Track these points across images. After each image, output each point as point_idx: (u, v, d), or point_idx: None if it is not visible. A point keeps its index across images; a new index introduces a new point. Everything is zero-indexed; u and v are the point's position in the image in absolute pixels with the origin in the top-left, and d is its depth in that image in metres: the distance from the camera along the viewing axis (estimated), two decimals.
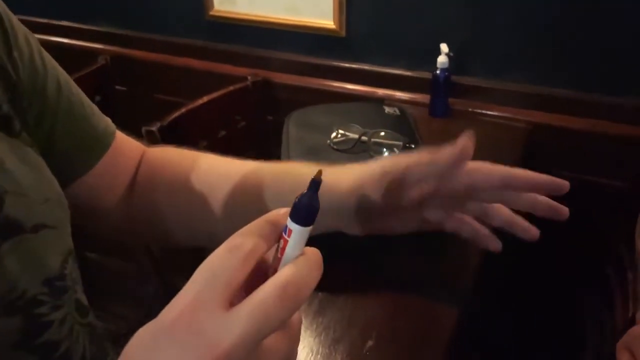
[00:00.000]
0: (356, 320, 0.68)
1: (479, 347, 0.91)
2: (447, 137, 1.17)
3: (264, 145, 1.37)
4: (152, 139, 1.09)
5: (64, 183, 0.46)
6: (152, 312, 0.29)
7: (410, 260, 0.74)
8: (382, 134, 0.85)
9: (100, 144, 0.51)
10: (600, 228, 1.18)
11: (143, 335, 0.28)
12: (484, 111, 1.20)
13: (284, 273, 0.28)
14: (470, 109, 1.22)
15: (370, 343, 0.67)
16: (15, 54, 0.43)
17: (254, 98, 1.34)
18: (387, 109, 0.99)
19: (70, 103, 0.48)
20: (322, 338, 0.71)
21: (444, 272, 0.75)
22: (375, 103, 1.06)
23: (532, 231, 0.57)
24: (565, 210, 0.55)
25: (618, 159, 1.15)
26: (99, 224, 0.56)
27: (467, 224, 0.59)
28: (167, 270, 1.42)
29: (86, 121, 0.50)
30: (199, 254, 0.35)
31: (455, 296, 0.73)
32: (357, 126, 0.87)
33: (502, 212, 0.58)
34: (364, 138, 0.86)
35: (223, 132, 1.29)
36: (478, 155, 1.07)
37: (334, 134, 0.89)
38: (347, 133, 0.88)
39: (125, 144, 0.55)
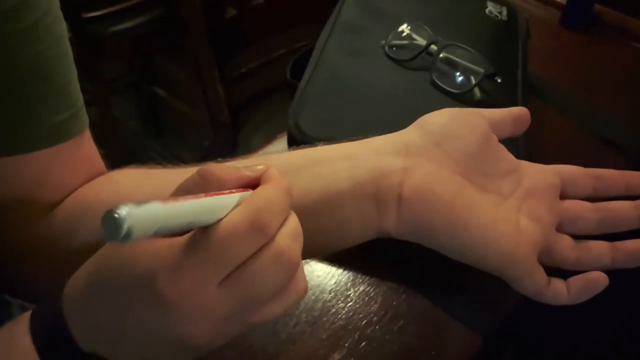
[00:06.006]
0: (325, 325, 0.48)
1: None
2: (573, 64, 0.83)
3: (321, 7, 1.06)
4: None
5: None
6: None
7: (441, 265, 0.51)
8: (460, 50, 0.57)
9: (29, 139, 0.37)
10: None
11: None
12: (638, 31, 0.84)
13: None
14: (620, 26, 0.85)
15: (336, 356, 0.48)
16: None
17: None
18: (490, 7, 0.69)
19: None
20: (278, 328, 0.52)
21: (481, 285, 0.52)
22: None
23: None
24: None
25: None
26: None
27: None
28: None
29: (28, 101, 0.36)
30: None
31: (484, 320, 0.51)
32: (428, 29, 0.59)
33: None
34: (432, 48, 0.58)
35: None
36: (613, 93, 0.75)
37: (401, 29, 0.62)
38: (414, 35, 0.61)
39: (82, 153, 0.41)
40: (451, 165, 0.36)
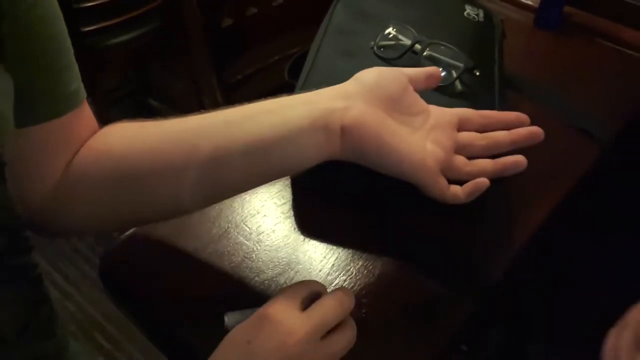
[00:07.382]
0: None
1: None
2: (546, 60, 0.90)
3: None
4: None
5: None
6: None
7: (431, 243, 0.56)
8: (442, 48, 0.63)
9: (58, 105, 0.45)
10: None
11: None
12: (606, 32, 0.91)
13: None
14: (589, 25, 0.92)
15: None
16: None
17: None
18: (468, 10, 0.75)
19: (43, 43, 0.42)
20: None
21: (469, 262, 0.57)
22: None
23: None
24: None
25: None
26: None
27: None
28: None
29: (52, 73, 0.43)
30: None
31: (474, 294, 0.56)
32: (412, 30, 0.65)
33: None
34: (417, 47, 0.64)
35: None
36: (584, 86, 0.82)
37: (387, 31, 0.68)
38: (400, 36, 0.67)
39: (86, 116, 0.49)
40: (379, 106, 0.49)
